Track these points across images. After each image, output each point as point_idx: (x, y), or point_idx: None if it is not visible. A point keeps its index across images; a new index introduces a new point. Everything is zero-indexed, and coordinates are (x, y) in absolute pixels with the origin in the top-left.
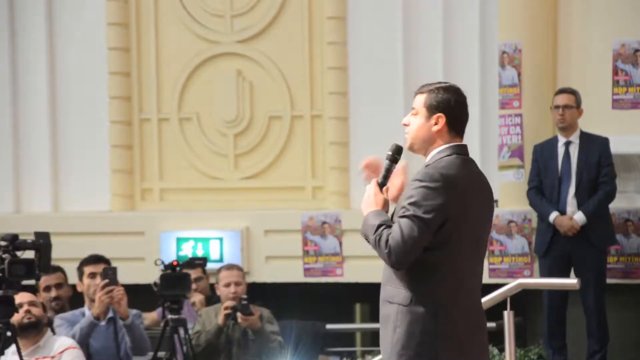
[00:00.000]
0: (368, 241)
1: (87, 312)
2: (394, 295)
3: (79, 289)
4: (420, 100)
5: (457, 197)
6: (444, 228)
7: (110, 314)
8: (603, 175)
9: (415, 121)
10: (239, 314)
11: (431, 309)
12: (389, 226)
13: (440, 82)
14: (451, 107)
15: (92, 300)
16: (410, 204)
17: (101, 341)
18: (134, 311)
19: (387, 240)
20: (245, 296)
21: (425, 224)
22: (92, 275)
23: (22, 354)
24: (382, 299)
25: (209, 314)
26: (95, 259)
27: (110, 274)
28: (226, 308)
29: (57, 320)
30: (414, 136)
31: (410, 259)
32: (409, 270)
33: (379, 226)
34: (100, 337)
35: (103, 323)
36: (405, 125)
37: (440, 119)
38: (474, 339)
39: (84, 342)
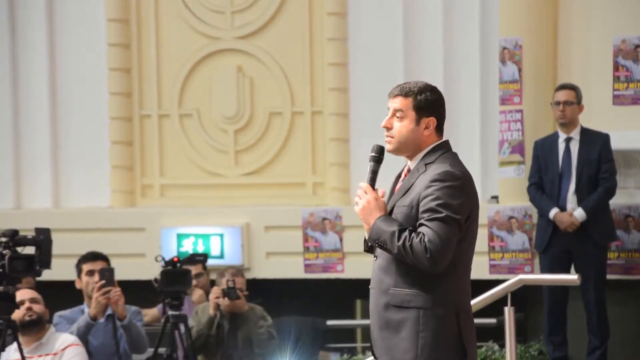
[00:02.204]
0: (384, 248)
1: (86, 309)
2: (409, 299)
3: (78, 286)
4: (406, 103)
5: (473, 193)
6: (465, 225)
7: (109, 311)
8: (603, 171)
9: (403, 125)
10: (224, 300)
11: (453, 309)
12: (411, 230)
13: (416, 83)
14: (439, 109)
15: (91, 298)
16: (439, 205)
17: (100, 338)
18: (134, 308)
19: (425, 246)
20: (232, 279)
21: (458, 223)
22: (90, 273)
23: (23, 351)
24: (385, 304)
25: (205, 309)
26: (93, 256)
27: (107, 275)
28: (216, 297)
29: (56, 318)
30: (403, 140)
31: (448, 261)
32: (424, 273)
33: (400, 231)
34: (99, 335)
35: (102, 320)
36: (387, 128)
37: (432, 122)
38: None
39: (81, 341)
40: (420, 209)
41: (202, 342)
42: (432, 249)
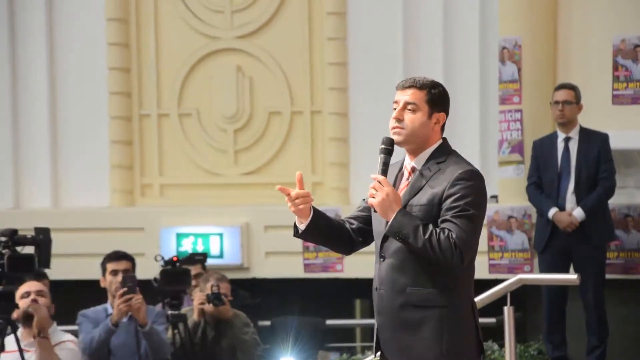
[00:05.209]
0: (405, 241)
1: (110, 309)
2: (430, 298)
3: (102, 284)
4: (420, 96)
5: (486, 191)
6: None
7: None
8: (602, 171)
9: (416, 117)
10: (209, 305)
11: (469, 305)
12: (435, 226)
13: (425, 78)
14: (447, 106)
15: (114, 297)
16: (466, 203)
17: (122, 337)
18: (157, 310)
19: (454, 242)
20: (217, 284)
21: (481, 221)
22: (114, 273)
23: (21, 345)
24: (401, 304)
25: (189, 314)
26: (118, 256)
27: (129, 281)
28: (201, 303)
29: (79, 317)
30: (413, 133)
31: (470, 258)
32: (444, 270)
33: (425, 226)
34: (121, 334)
35: (125, 320)
36: (398, 119)
37: (442, 118)
38: None
39: (102, 347)
40: (445, 207)
41: (187, 348)
42: (460, 245)
